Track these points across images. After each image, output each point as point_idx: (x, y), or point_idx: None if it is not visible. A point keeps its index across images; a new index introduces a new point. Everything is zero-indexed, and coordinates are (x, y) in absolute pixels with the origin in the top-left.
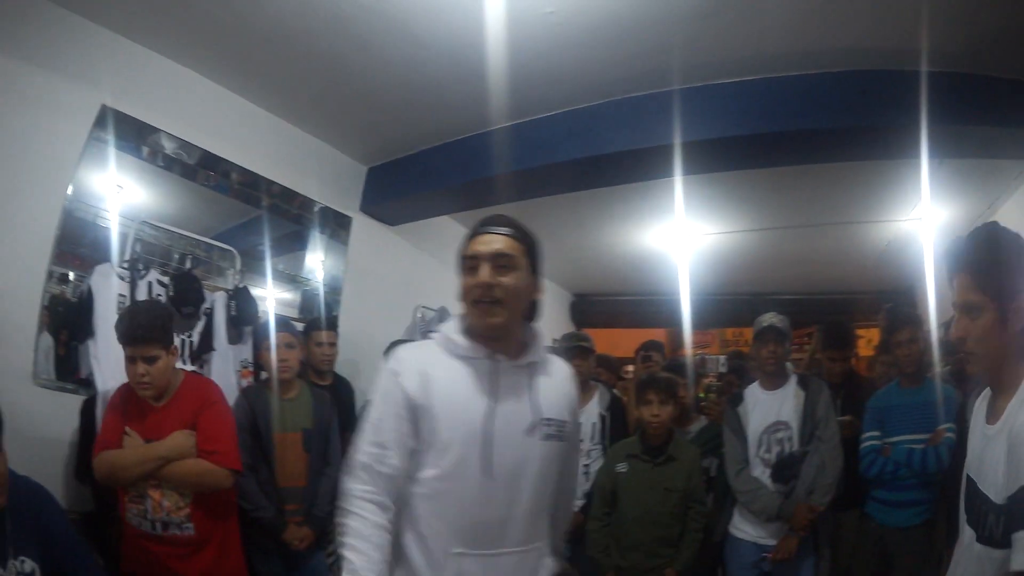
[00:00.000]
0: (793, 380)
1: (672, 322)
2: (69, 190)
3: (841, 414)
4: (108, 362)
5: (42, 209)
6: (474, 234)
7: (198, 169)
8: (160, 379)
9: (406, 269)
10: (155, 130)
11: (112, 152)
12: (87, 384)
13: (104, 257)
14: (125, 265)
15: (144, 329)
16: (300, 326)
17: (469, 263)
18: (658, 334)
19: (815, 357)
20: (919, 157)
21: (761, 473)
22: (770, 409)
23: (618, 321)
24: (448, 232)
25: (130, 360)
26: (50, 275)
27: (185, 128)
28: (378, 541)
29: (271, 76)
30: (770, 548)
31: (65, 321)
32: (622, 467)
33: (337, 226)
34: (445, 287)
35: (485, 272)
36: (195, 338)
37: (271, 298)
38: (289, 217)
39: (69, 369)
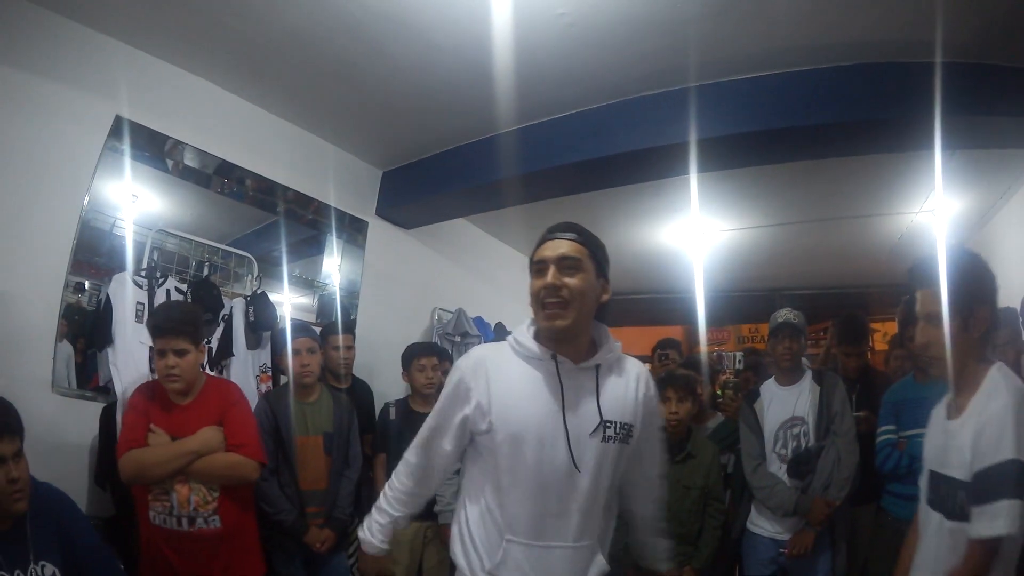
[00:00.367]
0: (808, 375)
1: (688, 320)
2: (86, 201)
3: (857, 409)
4: (127, 369)
5: (59, 219)
6: (542, 241)
7: (213, 177)
8: (189, 373)
9: (423, 272)
10: (169, 139)
11: (127, 162)
12: (106, 391)
13: (121, 266)
14: (143, 273)
15: (176, 322)
16: (317, 330)
17: (537, 267)
18: (674, 332)
19: (831, 352)
20: (931, 149)
21: (778, 469)
22: (786, 405)
23: (634, 319)
24: (464, 234)
25: (160, 354)
26: (66, 284)
27: (199, 137)
28: (405, 497)
29: (284, 83)
30: (787, 543)
31: (82, 329)
32: None
33: (353, 230)
34: (462, 289)
35: (551, 274)
36: (214, 344)
37: (288, 303)
38: (305, 222)
39: (87, 377)
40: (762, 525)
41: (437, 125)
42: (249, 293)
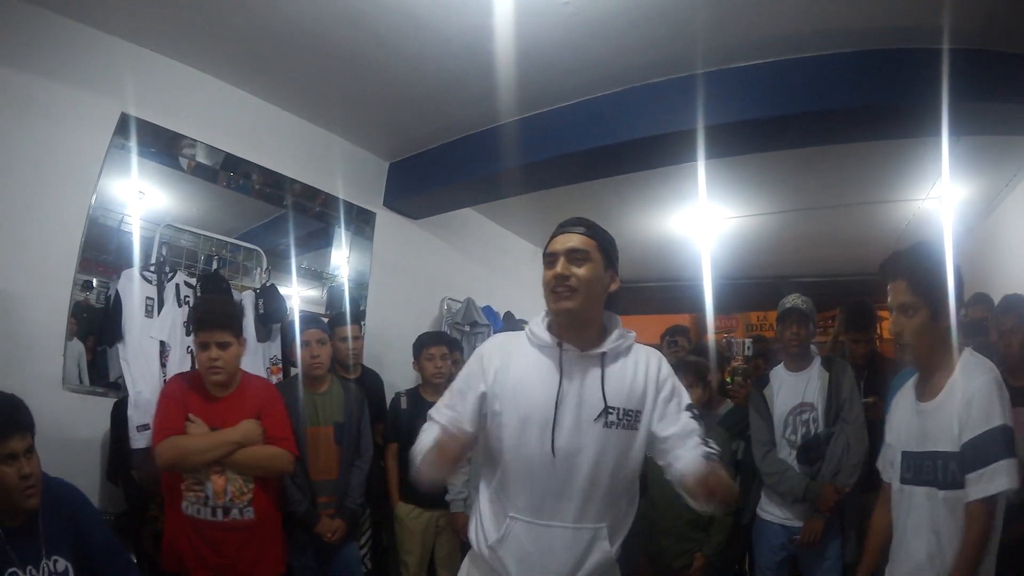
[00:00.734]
0: (817, 361)
1: (697, 307)
2: (93, 199)
3: (865, 395)
4: (138, 364)
5: (67, 218)
6: (554, 235)
7: (220, 171)
8: (231, 365)
9: (431, 262)
10: (175, 135)
11: (134, 159)
12: (116, 387)
13: (129, 262)
14: (151, 269)
15: (219, 316)
16: (326, 322)
17: (549, 259)
18: (683, 320)
19: (839, 340)
20: (937, 135)
21: (787, 455)
22: (795, 390)
23: (642, 307)
24: (472, 224)
25: (202, 346)
26: (74, 283)
27: (204, 131)
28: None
29: (288, 76)
30: (797, 530)
31: (91, 327)
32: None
33: (361, 222)
34: (470, 278)
35: (561, 265)
36: None
37: (296, 296)
38: (312, 215)
39: (97, 374)
40: (772, 511)
41: (443, 115)
42: (258, 286)
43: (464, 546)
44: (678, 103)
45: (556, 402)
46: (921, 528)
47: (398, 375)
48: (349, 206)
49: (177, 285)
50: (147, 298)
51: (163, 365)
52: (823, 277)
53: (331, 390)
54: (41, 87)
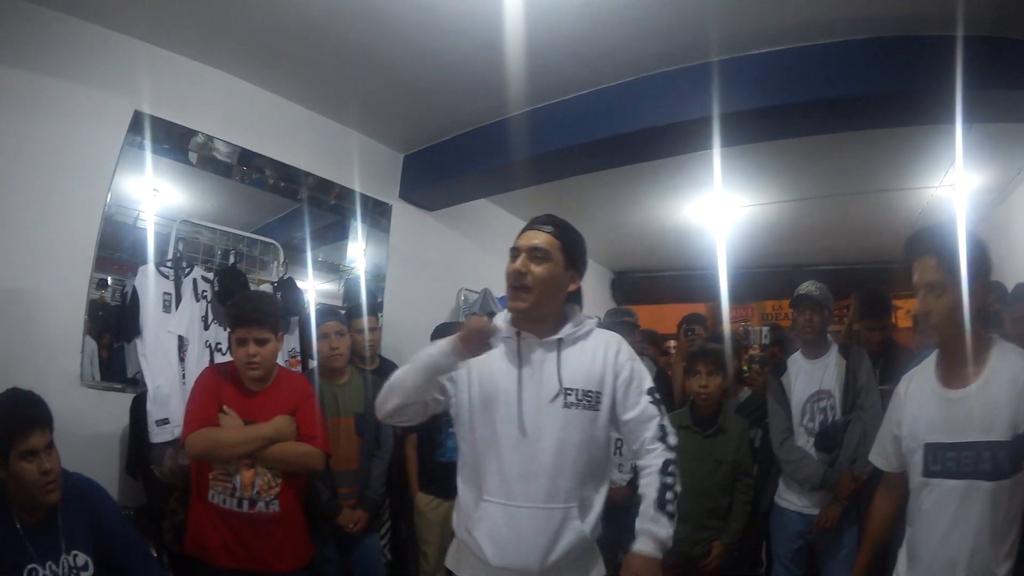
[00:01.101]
0: (834, 349)
1: (713, 296)
2: (108, 196)
3: (881, 383)
4: (156, 360)
5: (83, 216)
6: (523, 230)
7: (234, 166)
8: (269, 361)
9: (447, 253)
10: (188, 131)
11: (148, 156)
12: (134, 382)
13: (144, 258)
14: (168, 264)
15: (258, 312)
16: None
17: (512, 253)
18: (699, 308)
19: (853, 328)
20: (950, 123)
21: (805, 442)
22: (813, 378)
23: (659, 297)
24: (487, 215)
25: (240, 342)
26: (90, 280)
27: (218, 127)
28: None
29: (300, 70)
30: (814, 517)
31: (107, 324)
32: None
33: (377, 214)
34: (487, 269)
35: (520, 261)
36: None
37: (313, 289)
38: (327, 208)
39: (113, 371)
40: (790, 499)
41: (456, 107)
42: (276, 280)
43: None
44: (691, 92)
45: (519, 386)
46: (960, 522)
47: None
48: (365, 199)
49: (195, 280)
50: (164, 293)
51: (181, 360)
52: (837, 265)
53: (351, 381)
54: (56, 88)
